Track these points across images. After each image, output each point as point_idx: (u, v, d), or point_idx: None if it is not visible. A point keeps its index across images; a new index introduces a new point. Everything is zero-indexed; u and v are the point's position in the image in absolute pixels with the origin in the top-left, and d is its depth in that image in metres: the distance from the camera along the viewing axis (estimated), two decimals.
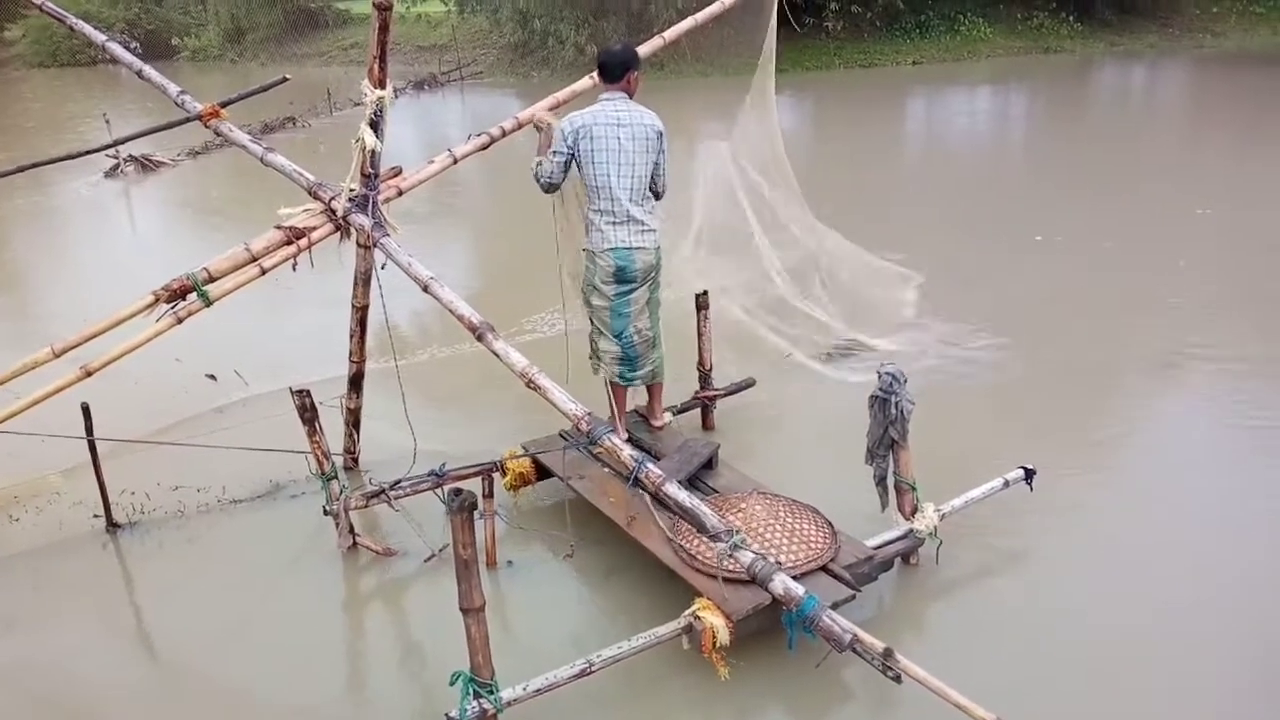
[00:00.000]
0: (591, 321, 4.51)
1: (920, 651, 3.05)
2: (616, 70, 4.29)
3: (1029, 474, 4.06)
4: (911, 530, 3.77)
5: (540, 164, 4.31)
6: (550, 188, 4.36)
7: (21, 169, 4.98)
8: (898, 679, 2.88)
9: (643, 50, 4.93)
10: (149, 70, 4.38)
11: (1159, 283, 7.23)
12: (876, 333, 6.32)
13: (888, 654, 2.88)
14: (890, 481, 3.80)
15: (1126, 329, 6.45)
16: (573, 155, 4.25)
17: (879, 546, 3.70)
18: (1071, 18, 24.86)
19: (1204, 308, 6.69)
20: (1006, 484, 4.04)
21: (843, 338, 6.20)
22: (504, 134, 4.52)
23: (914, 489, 3.77)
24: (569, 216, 4.61)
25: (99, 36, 4.60)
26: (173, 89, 4.29)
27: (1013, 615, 3.65)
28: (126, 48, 4.66)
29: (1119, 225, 8.79)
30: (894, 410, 3.60)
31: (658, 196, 4.46)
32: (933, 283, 7.16)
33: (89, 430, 4.35)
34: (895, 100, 19.18)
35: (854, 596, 3.40)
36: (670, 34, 5.03)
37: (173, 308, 3.76)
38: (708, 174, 5.68)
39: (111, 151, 12.89)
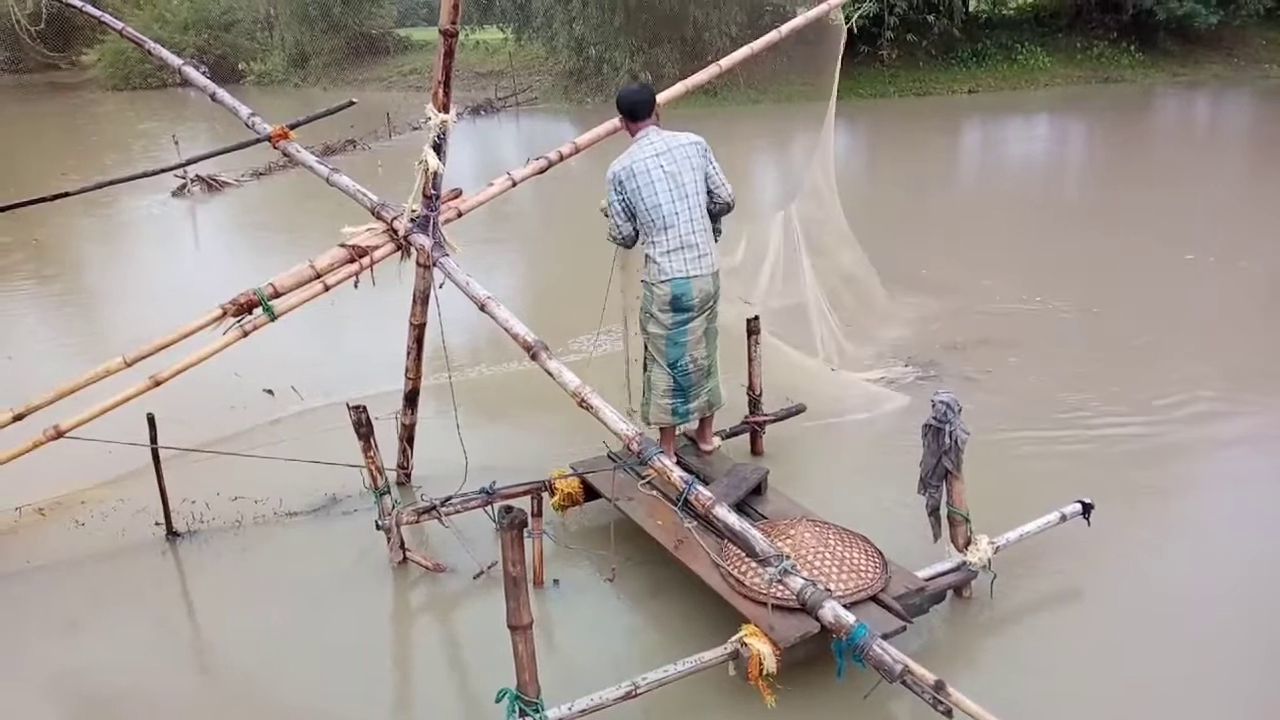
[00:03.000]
0: (646, 351, 4.52)
1: (972, 685, 2.98)
2: (646, 107, 4.34)
3: (1087, 508, 3.98)
4: (964, 562, 3.70)
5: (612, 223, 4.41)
6: (625, 238, 4.40)
7: (98, 186, 5.19)
8: (949, 713, 2.83)
9: (699, 77, 5.01)
10: (222, 93, 4.54)
11: (1245, 312, 7.05)
12: (926, 359, 6.27)
13: (939, 687, 2.83)
14: (943, 512, 3.74)
15: (1210, 357, 6.27)
16: (623, 199, 4.28)
17: (931, 578, 3.64)
18: (1133, 47, 24.45)
19: None
20: (1063, 518, 3.96)
21: (895, 364, 6.15)
22: (561, 158, 4.60)
23: (967, 520, 3.71)
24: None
25: (175, 60, 4.78)
26: (244, 111, 4.43)
27: (1068, 652, 3.56)
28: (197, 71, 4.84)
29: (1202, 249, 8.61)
30: (948, 440, 3.56)
31: (728, 208, 4.44)
32: (993, 307, 7.08)
33: (153, 439, 4.48)
34: (952, 128, 19.03)
35: (905, 628, 3.35)
36: (726, 62, 5.08)
37: (239, 321, 3.87)
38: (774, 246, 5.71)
39: (179, 171, 13.32)
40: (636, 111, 4.34)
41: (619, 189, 4.27)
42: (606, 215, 4.42)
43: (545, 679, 2.90)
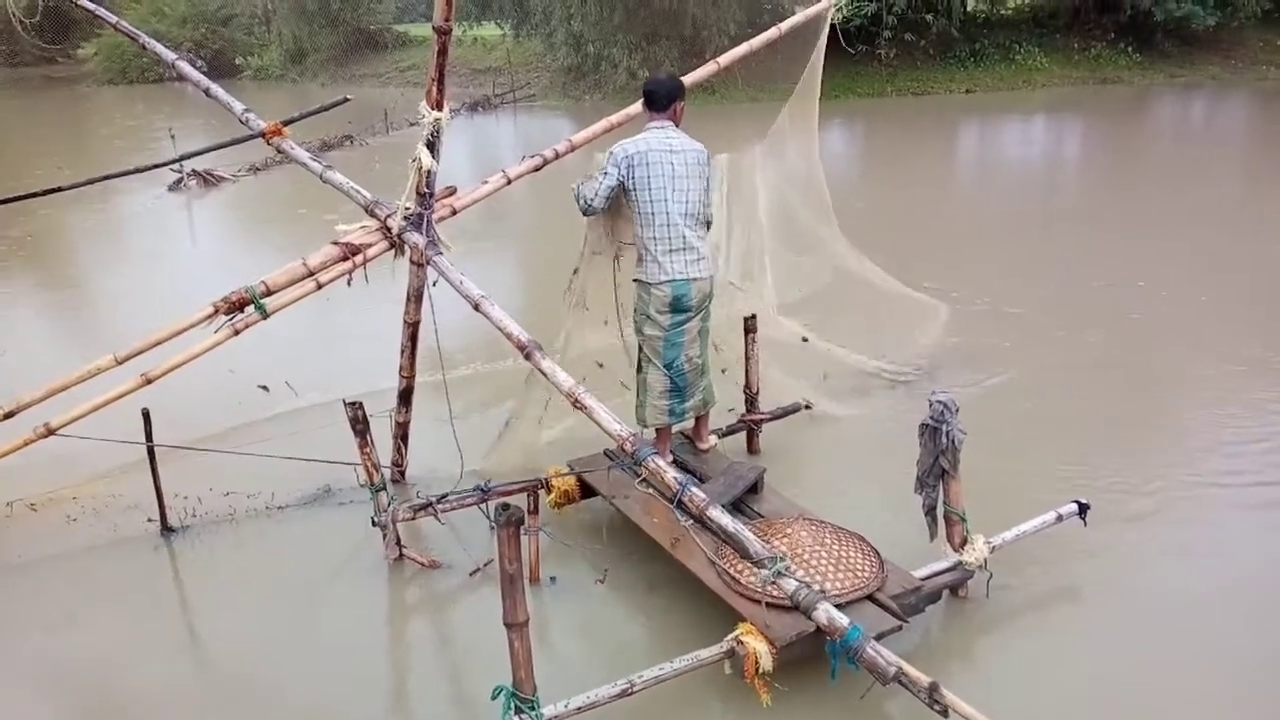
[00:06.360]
0: (640, 352, 4.48)
1: (967, 686, 2.98)
2: (664, 100, 4.29)
3: (1083, 508, 3.97)
4: (961, 562, 3.70)
5: (584, 184, 4.32)
6: (591, 211, 4.35)
7: (91, 181, 5.14)
8: (944, 714, 2.82)
9: (697, 75, 4.99)
10: (216, 88, 4.52)
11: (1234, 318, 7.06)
12: (927, 359, 6.26)
13: (934, 688, 2.82)
14: (940, 512, 3.73)
15: (1206, 360, 6.25)
16: (622, 182, 4.25)
17: (927, 577, 3.64)
18: (1130, 48, 24.48)
19: None
20: (1060, 518, 3.95)
21: (895, 364, 6.14)
22: (557, 156, 4.58)
23: (964, 520, 3.70)
24: (614, 245, 4.59)
25: (169, 55, 4.75)
26: (238, 107, 4.41)
27: (1064, 653, 3.55)
28: (194, 66, 4.81)
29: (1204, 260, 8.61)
30: (944, 440, 3.55)
31: (706, 227, 4.43)
32: (989, 309, 7.08)
33: (148, 436, 4.45)
34: (949, 128, 19.04)
35: (900, 628, 3.34)
36: (725, 59, 5.07)
37: (231, 319, 3.86)
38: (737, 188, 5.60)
39: (175, 166, 13.28)
40: (650, 99, 4.31)
41: (625, 170, 4.19)
42: (580, 185, 4.33)
43: (541, 676, 2.89)
